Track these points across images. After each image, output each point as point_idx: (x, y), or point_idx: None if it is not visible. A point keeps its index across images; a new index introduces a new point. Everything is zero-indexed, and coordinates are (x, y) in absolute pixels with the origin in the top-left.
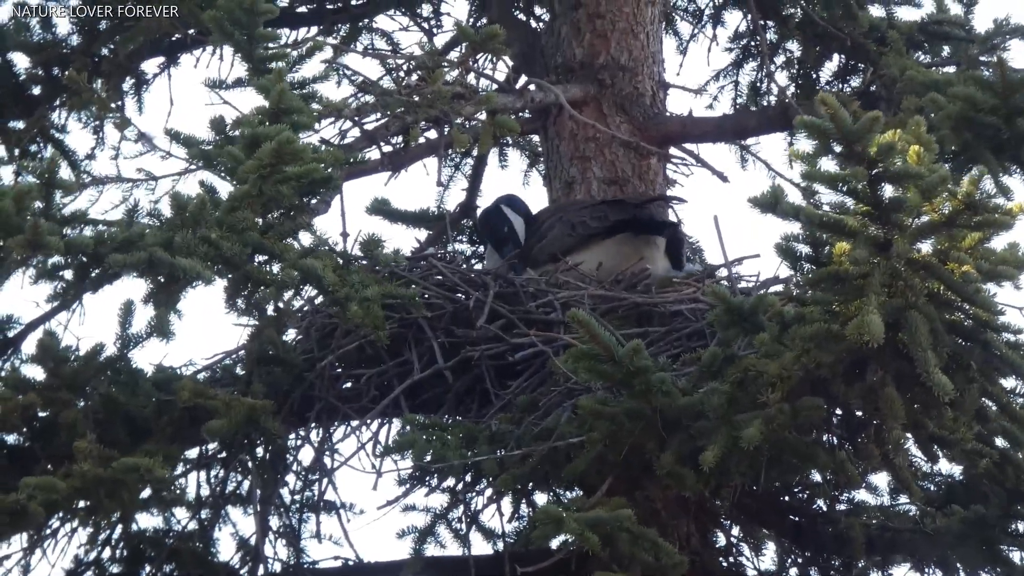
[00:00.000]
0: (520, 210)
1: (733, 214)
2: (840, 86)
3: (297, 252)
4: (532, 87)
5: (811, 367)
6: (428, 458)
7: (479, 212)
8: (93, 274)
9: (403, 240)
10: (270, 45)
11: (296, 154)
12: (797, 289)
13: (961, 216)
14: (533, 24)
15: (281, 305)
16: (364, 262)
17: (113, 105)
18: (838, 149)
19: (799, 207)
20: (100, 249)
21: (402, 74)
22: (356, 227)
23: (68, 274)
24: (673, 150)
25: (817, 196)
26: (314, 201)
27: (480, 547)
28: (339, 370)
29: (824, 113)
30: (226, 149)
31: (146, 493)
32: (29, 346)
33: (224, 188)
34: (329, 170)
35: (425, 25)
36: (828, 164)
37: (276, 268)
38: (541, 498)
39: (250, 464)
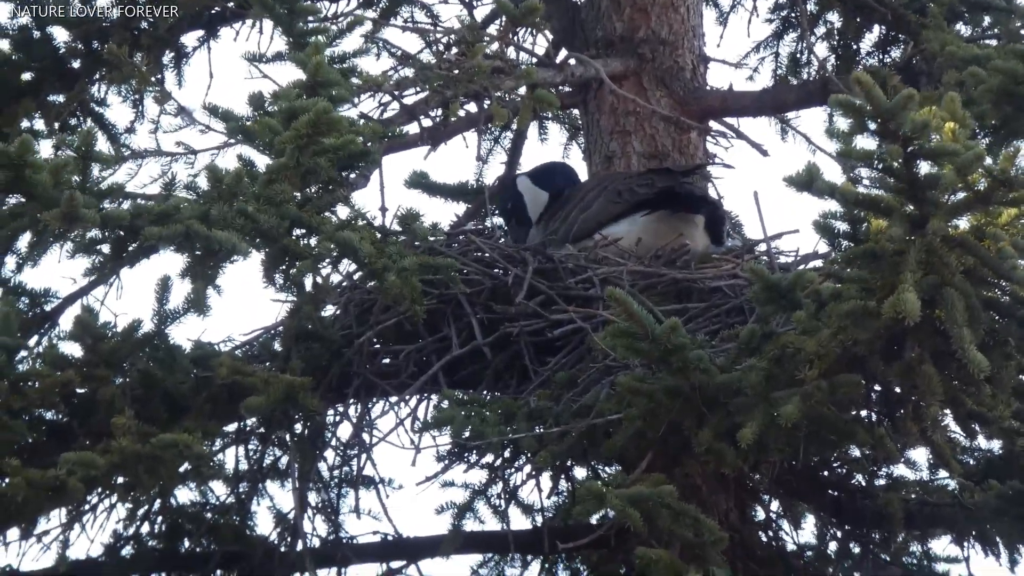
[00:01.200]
0: (549, 183)
1: (773, 188)
2: (881, 57)
3: (334, 225)
4: (572, 61)
5: (848, 344)
6: (467, 434)
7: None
8: (130, 248)
9: (442, 214)
10: (310, 19)
11: (333, 125)
12: (835, 266)
13: (997, 193)
14: None
15: (319, 280)
16: (402, 237)
17: (153, 79)
18: (873, 127)
19: (834, 186)
20: (137, 222)
21: (441, 48)
22: (395, 202)
23: (105, 248)
24: (713, 124)
25: (856, 171)
26: (352, 175)
27: (519, 522)
28: (377, 346)
29: (859, 92)
30: (263, 121)
31: (184, 468)
32: (66, 322)
33: (262, 163)
34: (367, 143)
35: None
36: (864, 142)
37: (313, 241)
38: (580, 473)
39: (288, 440)
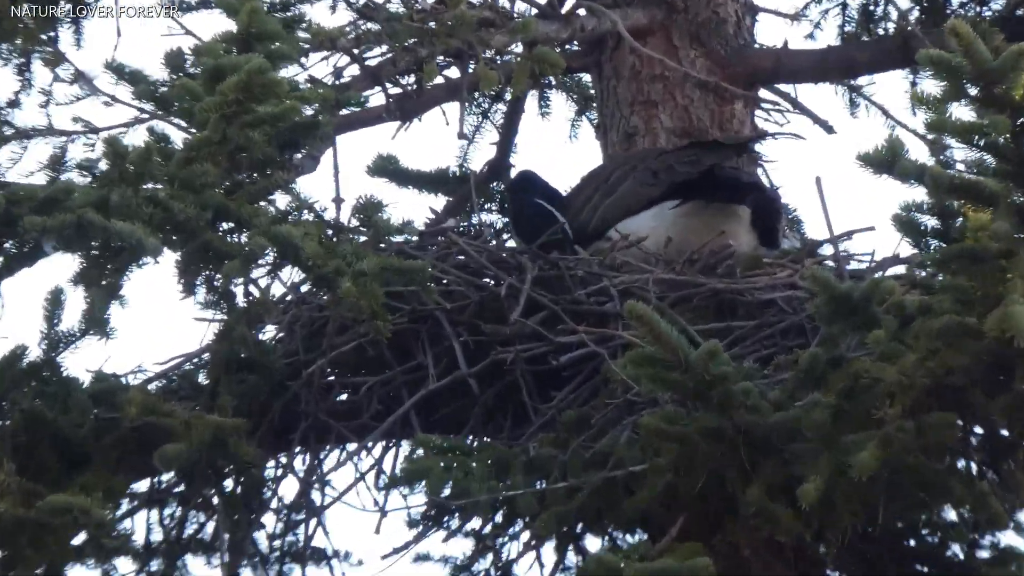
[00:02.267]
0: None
1: (841, 173)
2: (977, 9)
3: (271, 217)
4: (582, 12)
5: (941, 372)
6: (447, 492)
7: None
8: (8, 248)
9: (415, 209)
10: None
11: (269, 88)
12: (922, 272)
13: None
14: None
15: (254, 291)
16: (363, 236)
17: (43, 36)
18: (974, 92)
19: (923, 166)
20: (13, 210)
21: None
22: (354, 192)
23: None
24: (763, 92)
25: (948, 152)
26: (297, 155)
27: None
28: (332, 378)
29: (955, 46)
30: (181, 83)
31: (81, 539)
32: None
33: (180, 138)
34: (316, 113)
35: None
36: (961, 111)
37: (243, 238)
38: (593, 543)
39: (216, 500)
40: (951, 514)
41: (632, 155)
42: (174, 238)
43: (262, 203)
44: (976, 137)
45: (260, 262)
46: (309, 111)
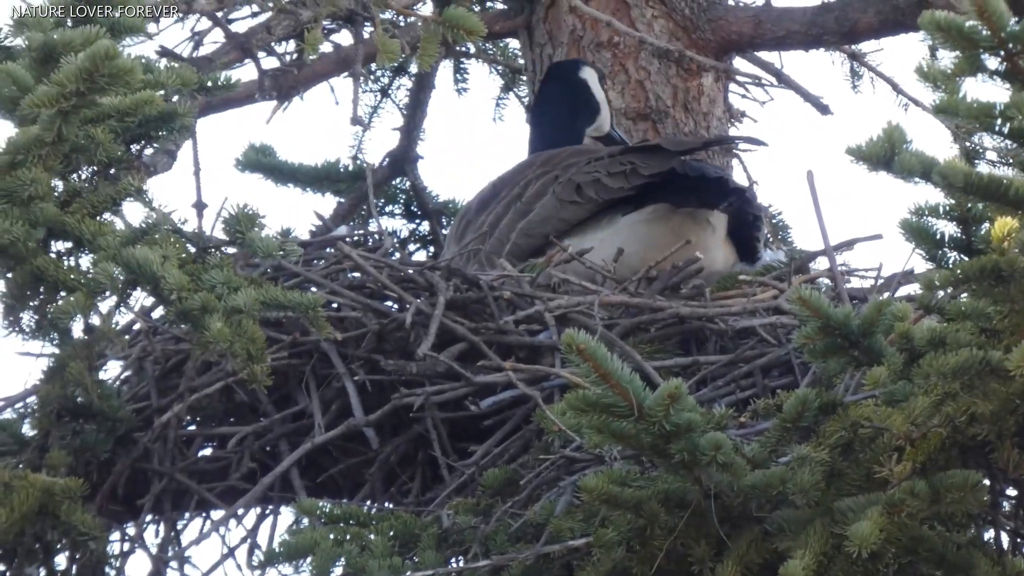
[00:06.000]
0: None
1: (838, 168)
2: None
3: (121, 235)
4: None
5: (960, 421)
6: (338, 572)
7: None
8: None
9: (297, 212)
10: None
11: (120, 76)
12: (938, 293)
13: None
14: None
15: (95, 322)
16: (231, 251)
17: None
18: (993, 65)
19: (931, 161)
20: None
21: None
22: (220, 193)
23: None
24: (740, 62)
25: (973, 141)
26: (149, 151)
27: None
28: (192, 428)
29: (968, 6)
30: (2, 68)
31: None
32: None
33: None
34: (175, 101)
35: None
36: (978, 87)
37: (86, 262)
38: None
39: None
40: None
41: (553, 157)
42: None
43: (107, 216)
44: (997, 121)
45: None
46: (164, 96)
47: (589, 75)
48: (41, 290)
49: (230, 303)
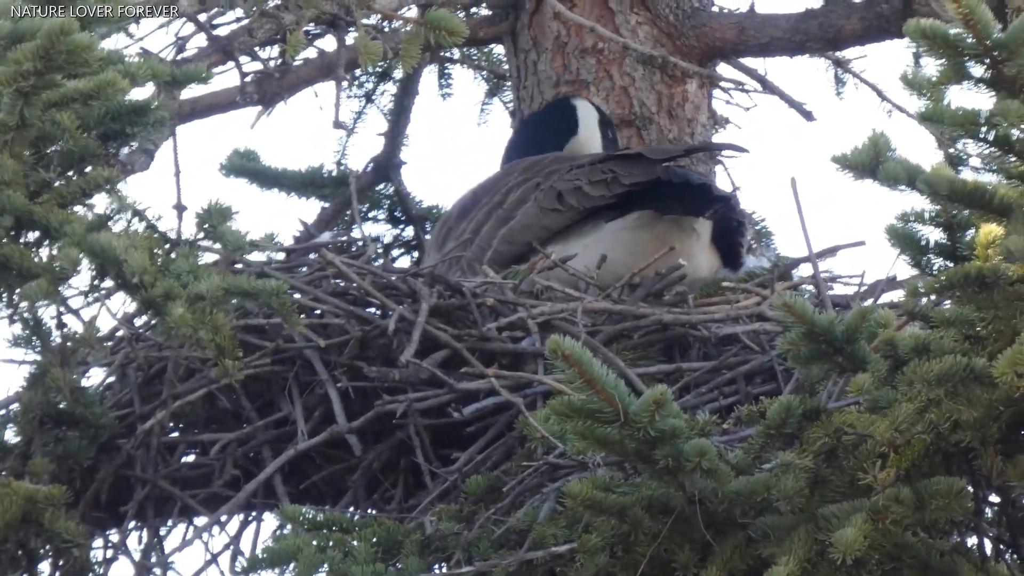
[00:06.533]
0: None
1: (822, 174)
2: None
3: (86, 223)
4: None
5: (944, 428)
6: None
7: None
8: None
9: (280, 218)
10: None
11: (78, 54)
12: (922, 299)
13: None
14: None
15: (75, 323)
16: (212, 254)
17: None
18: (978, 73)
19: (916, 168)
20: None
21: None
22: (201, 197)
23: None
24: (724, 69)
25: (961, 145)
26: (126, 149)
27: None
28: (175, 435)
29: (953, 14)
30: None
31: None
32: None
33: None
34: (149, 93)
35: None
36: (963, 95)
37: (52, 250)
38: None
39: None
40: None
41: (535, 164)
42: None
43: (77, 208)
44: (981, 129)
45: (77, 283)
46: (138, 90)
47: (581, 104)
48: (7, 279)
49: (193, 290)
